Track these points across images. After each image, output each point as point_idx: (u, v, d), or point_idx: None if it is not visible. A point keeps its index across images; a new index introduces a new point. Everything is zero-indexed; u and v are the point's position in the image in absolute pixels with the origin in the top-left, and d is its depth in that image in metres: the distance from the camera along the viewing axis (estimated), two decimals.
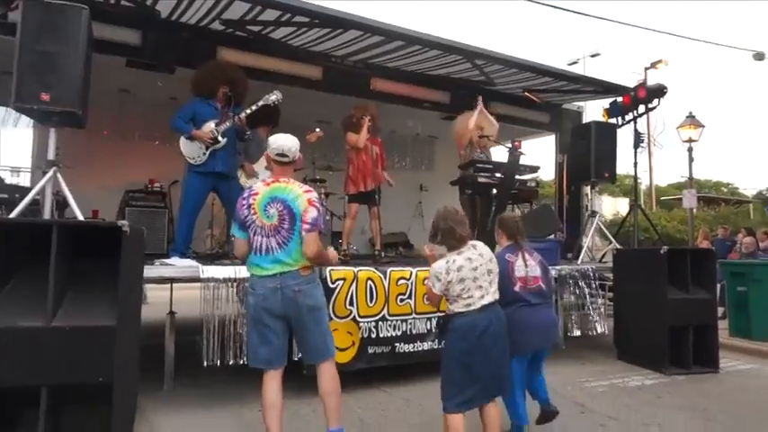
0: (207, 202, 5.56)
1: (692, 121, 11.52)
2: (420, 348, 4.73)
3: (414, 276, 4.74)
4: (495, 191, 6.04)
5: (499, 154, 7.04)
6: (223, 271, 4.20)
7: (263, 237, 2.98)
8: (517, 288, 3.40)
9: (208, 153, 4.99)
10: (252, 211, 3.01)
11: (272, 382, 3.00)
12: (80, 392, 2.88)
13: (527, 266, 3.48)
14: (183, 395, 4.28)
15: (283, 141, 3.12)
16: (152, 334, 4.72)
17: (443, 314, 3.12)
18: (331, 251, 3.30)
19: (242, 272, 4.04)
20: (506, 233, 3.62)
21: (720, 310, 6.88)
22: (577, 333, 5.93)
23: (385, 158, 6.18)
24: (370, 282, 4.58)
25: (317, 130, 6.08)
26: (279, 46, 6.01)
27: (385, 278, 4.67)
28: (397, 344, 4.68)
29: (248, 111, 5.13)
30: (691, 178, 12.42)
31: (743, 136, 64.25)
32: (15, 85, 3.73)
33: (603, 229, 7.78)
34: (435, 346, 4.68)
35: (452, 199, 6.45)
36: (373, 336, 4.56)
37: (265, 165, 5.63)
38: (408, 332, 4.72)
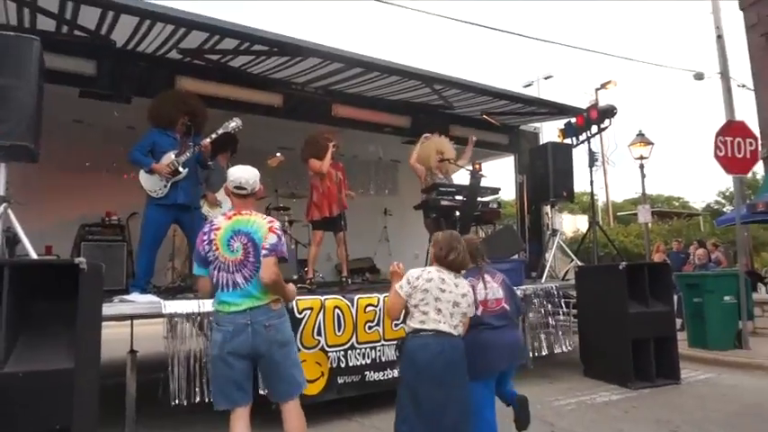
0: (168, 234, 5.42)
1: (641, 138, 12.02)
2: (390, 376, 4.67)
3: (381, 303, 4.71)
4: (458, 213, 6.13)
5: (461, 177, 7.16)
6: (186, 305, 4.08)
7: (227, 273, 2.91)
8: (479, 312, 3.36)
9: (169, 185, 4.88)
10: (213, 247, 2.94)
11: (239, 421, 2.91)
12: None
13: (487, 289, 3.45)
14: None
15: (241, 174, 3.07)
16: (111, 373, 4.52)
17: (401, 338, 3.10)
18: (290, 286, 3.17)
19: (206, 305, 3.94)
20: (469, 256, 3.57)
21: (678, 322, 7.11)
22: (545, 352, 6.01)
23: (347, 184, 6.18)
24: (337, 310, 4.54)
25: (278, 154, 6.05)
26: (238, 74, 6.00)
27: (352, 306, 4.63)
28: (367, 372, 4.63)
29: (208, 139, 5.07)
30: (644, 194, 12.90)
31: (689, 151, 67.18)
32: None
33: (565, 246, 7.96)
34: None
35: (417, 223, 6.51)
36: (342, 365, 4.50)
37: (225, 193, 5.63)
38: (378, 360, 4.68)
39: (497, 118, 7.92)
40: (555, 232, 7.68)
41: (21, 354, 2.66)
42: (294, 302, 4.27)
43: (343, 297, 4.67)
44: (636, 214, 15.07)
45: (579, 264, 7.21)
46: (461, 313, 3.00)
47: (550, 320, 6.11)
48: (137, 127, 5.85)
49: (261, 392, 3.41)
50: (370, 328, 4.67)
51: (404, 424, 2.83)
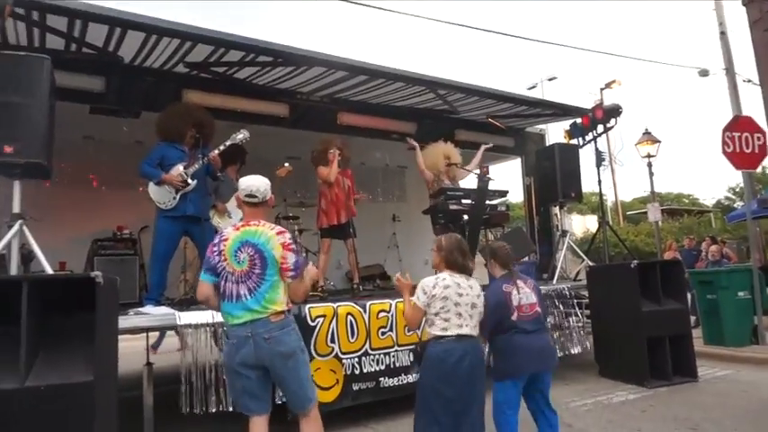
0: (180, 246, 5.46)
1: (648, 137, 11.97)
2: (404, 381, 4.68)
3: (393, 308, 4.72)
4: (466, 217, 6.14)
5: (468, 181, 7.17)
6: (200, 316, 4.10)
7: (233, 283, 2.92)
8: (514, 317, 3.37)
9: (178, 197, 4.93)
10: (222, 258, 2.95)
11: (257, 428, 2.92)
12: None
13: (521, 294, 3.45)
14: None
15: (252, 182, 3.08)
16: (129, 387, 4.55)
17: (420, 342, 3.10)
18: (311, 269, 3.20)
19: (219, 316, 3.95)
20: (500, 263, 3.61)
21: (693, 320, 7.05)
22: (559, 354, 5.96)
23: (356, 190, 6.22)
24: (350, 317, 4.55)
25: (286, 164, 6.09)
26: (244, 85, 6.06)
27: (365, 312, 4.64)
28: (382, 378, 4.62)
29: (217, 151, 5.12)
30: (653, 192, 12.83)
31: (697, 148, 66.83)
32: None
33: (575, 247, 7.93)
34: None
35: (426, 228, 6.53)
36: (357, 372, 4.50)
37: (237, 203, 5.67)
38: (392, 365, 4.68)
39: (502, 121, 7.93)
40: (564, 233, 7.64)
41: (41, 368, 2.68)
42: (307, 311, 4.29)
43: (356, 304, 4.68)
44: (645, 213, 14.97)
45: (590, 264, 7.18)
46: (479, 313, 3.03)
47: (564, 322, 6.08)
48: (145, 141, 5.92)
49: (278, 402, 3.42)
50: (383, 333, 4.67)
51: (432, 426, 2.84)
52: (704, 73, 14.65)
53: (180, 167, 4.97)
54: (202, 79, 5.85)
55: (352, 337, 4.52)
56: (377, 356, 4.61)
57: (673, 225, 21.39)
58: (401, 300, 4.49)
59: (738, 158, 7.27)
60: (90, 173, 7.42)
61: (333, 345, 4.41)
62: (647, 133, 12.01)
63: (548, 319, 5.27)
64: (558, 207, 8.19)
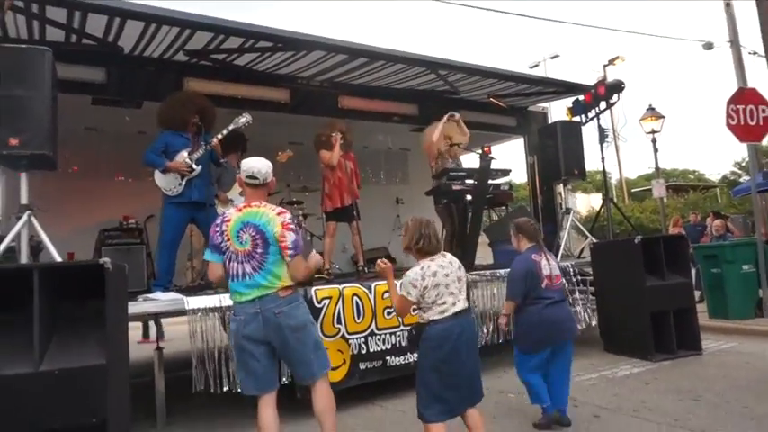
0: (186, 234, 5.53)
1: (652, 113, 11.90)
2: (410, 360, 4.72)
3: (399, 288, 4.76)
4: (469, 197, 6.16)
5: (471, 161, 7.18)
6: (208, 301, 4.18)
7: (238, 263, 2.97)
8: (544, 285, 3.66)
9: (184, 183, 4.98)
10: (225, 238, 3.00)
11: (267, 408, 2.98)
12: None
13: (551, 264, 3.76)
14: (177, 430, 4.22)
15: (254, 164, 3.12)
16: (140, 373, 4.66)
17: (415, 324, 3.15)
18: (314, 256, 3.26)
19: (226, 300, 4.03)
20: (527, 236, 3.88)
21: (697, 294, 7.08)
22: None
23: (359, 174, 6.25)
24: (356, 298, 4.61)
25: (287, 150, 6.12)
26: (245, 72, 6.07)
27: (370, 293, 4.70)
28: (388, 357, 4.70)
29: (219, 136, 5.15)
30: (657, 168, 12.77)
31: (702, 123, 66.17)
32: None
33: (579, 225, 7.94)
34: None
35: (429, 209, 6.54)
36: (363, 351, 4.58)
37: (239, 191, 5.72)
38: (398, 344, 4.75)
39: (504, 100, 7.90)
40: (568, 211, 7.64)
41: (54, 353, 2.76)
42: (313, 293, 4.36)
43: (361, 285, 4.74)
44: (650, 190, 14.91)
45: (594, 241, 7.21)
46: (464, 281, 3.10)
47: (568, 299, 6.12)
48: (147, 131, 5.95)
49: (284, 381, 3.50)
50: (388, 314, 4.73)
51: (438, 403, 2.90)
52: (709, 46, 14.47)
53: (184, 154, 5.02)
54: (203, 67, 5.87)
55: (359, 318, 4.59)
56: (383, 336, 4.69)
57: (678, 201, 21.32)
58: (381, 282, 4.58)
59: (743, 131, 7.23)
60: (94, 163, 7.47)
61: (339, 325, 4.48)
62: (651, 109, 11.94)
63: None
64: (561, 185, 8.18)
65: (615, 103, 7.57)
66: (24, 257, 3.99)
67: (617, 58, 20.92)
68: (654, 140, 11.98)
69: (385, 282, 4.76)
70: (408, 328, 4.74)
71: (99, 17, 4.56)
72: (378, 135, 8.94)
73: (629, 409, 4.04)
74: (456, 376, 2.91)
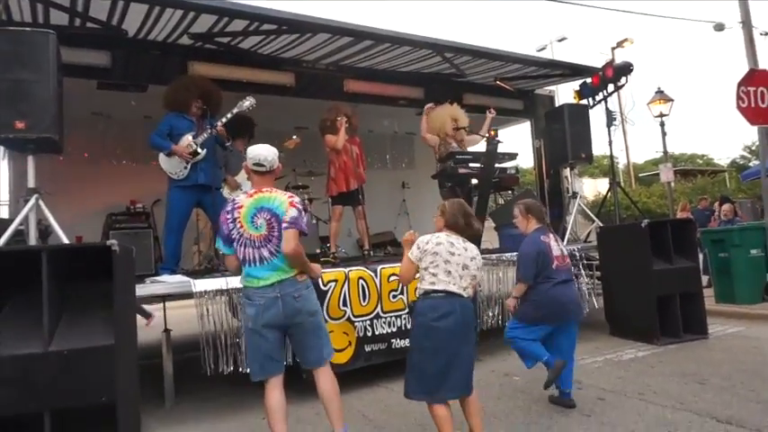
0: (192, 219, 5.55)
1: (661, 96, 11.76)
2: None
3: None
4: (475, 181, 6.13)
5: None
6: (214, 283, 4.21)
7: (253, 248, 2.98)
8: (554, 266, 3.71)
9: (189, 166, 4.99)
10: (238, 225, 3.01)
11: (275, 389, 3.01)
12: (83, 415, 2.88)
13: (560, 245, 3.83)
14: (186, 411, 4.28)
15: (259, 151, 3.13)
16: (148, 354, 4.72)
17: (411, 301, 3.18)
18: (315, 266, 3.23)
19: (232, 282, 4.07)
20: (536, 217, 3.93)
21: (705, 279, 7.05)
22: None
23: (365, 158, 6.24)
24: (361, 281, 4.63)
25: (294, 137, 6.11)
26: (249, 55, 6.03)
27: (376, 276, 4.72)
28: (393, 340, 4.73)
29: (224, 119, 5.15)
30: (665, 152, 12.68)
31: (712, 107, 65.42)
32: None
33: (586, 209, 7.91)
34: None
35: (436, 194, 6.54)
36: (369, 334, 4.61)
37: (247, 176, 5.72)
38: (403, 327, 4.76)
39: (511, 83, 7.82)
40: (575, 195, 7.60)
41: (63, 333, 2.81)
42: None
43: (367, 268, 4.76)
44: (658, 175, 14.80)
45: (601, 225, 7.17)
46: (471, 276, 3.01)
47: (575, 279, 6.12)
48: (153, 116, 5.96)
49: (289, 363, 3.53)
50: (394, 297, 4.75)
51: (418, 380, 2.90)
52: (720, 27, 14.19)
53: (189, 137, 5.02)
54: (207, 50, 5.84)
55: (364, 301, 4.61)
56: (388, 319, 4.71)
57: (685, 186, 21.15)
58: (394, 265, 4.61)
59: (753, 113, 7.14)
60: (100, 148, 7.49)
61: (345, 308, 4.51)
62: (659, 92, 11.80)
63: None
64: (568, 169, 8.13)
65: (623, 85, 7.49)
66: (33, 240, 4.02)
67: (625, 40, 20.63)
68: (662, 124, 11.87)
69: (390, 265, 4.83)
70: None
71: (103, 0, 4.53)
72: (383, 119, 8.90)
73: (634, 392, 4.05)
74: (437, 356, 2.85)
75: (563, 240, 6.94)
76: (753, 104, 7.08)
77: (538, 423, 3.57)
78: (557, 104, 8.75)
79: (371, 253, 6.13)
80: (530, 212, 3.93)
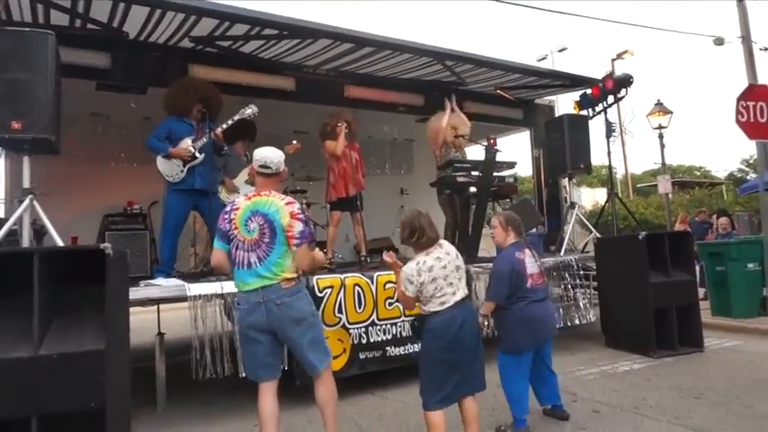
0: (188, 221, 5.52)
1: (660, 108, 11.78)
2: (411, 350, 4.74)
3: None
4: (473, 189, 6.12)
5: (475, 153, 7.14)
6: (210, 287, 4.18)
7: (244, 251, 2.99)
8: (529, 284, 3.52)
9: (186, 170, 4.97)
10: (233, 226, 3.02)
11: (267, 394, 3.00)
12: (72, 420, 2.84)
13: (536, 261, 3.65)
14: (177, 416, 4.24)
15: (267, 153, 3.14)
16: (141, 358, 4.68)
17: (418, 315, 3.15)
18: (318, 253, 3.32)
19: (228, 287, 4.04)
20: (515, 230, 3.72)
21: (702, 291, 7.03)
22: (567, 324, 6.01)
23: (363, 164, 6.22)
24: (357, 288, 4.61)
25: (294, 142, 6.09)
26: (250, 59, 6.02)
27: (372, 283, 4.69)
28: (388, 347, 4.70)
29: (224, 125, 5.13)
30: (663, 164, 12.69)
31: (710, 119, 65.57)
32: None
33: (583, 219, 7.90)
34: None
35: (434, 200, 6.52)
36: (364, 341, 4.58)
37: (245, 179, 5.70)
38: (398, 335, 4.75)
39: (511, 92, 7.84)
40: (573, 205, 7.59)
41: (54, 337, 2.76)
42: (314, 281, 4.35)
43: (363, 275, 4.73)
44: (656, 186, 14.81)
45: (598, 236, 7.16)
46: (462, 269, 3.09)
47: (570, 293, 6.11)
48: (152, 117, 5.94)
49: (285, 368, 3.50)
50: (390, 304, 4.73)
51: (441, 392, 2.93)
52: (719, 41, 14.23)
53: (188, 141, 5.01)
54: (208, 54, 5.83)
55: (360, 308, 4.58)
56: (384, 326, 4.68)
57: (683, 198, 21.15)
58: (384, 273, 4.61)
59: (752, 128, 7.14)
60: (98, 149, 7.46)
61: (340, 315, 4.48)
62: (658, 104, 11.81)
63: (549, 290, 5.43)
64: (566, 179, 8.13)
65: (623, 97, 7.50)
66: (26, 241, 3.98)
67: (625, 52, 20.68)
68: (661, 136, 11.88)
69: (387, 272, 4.80)
70: (411, 319, 4.73)
71: (104, 1, 4.53)
72: (383, 125, 8.89)
73: (630, 405, 4.02)
74: (459, 365, 2.94)
75: (560, 250, 6.97)
76: (752, 119, 7.09)
77: None
78: (556, 114, 8.76)
79: (369, 259, 6.10)
80: (509, 225, 3.71)
